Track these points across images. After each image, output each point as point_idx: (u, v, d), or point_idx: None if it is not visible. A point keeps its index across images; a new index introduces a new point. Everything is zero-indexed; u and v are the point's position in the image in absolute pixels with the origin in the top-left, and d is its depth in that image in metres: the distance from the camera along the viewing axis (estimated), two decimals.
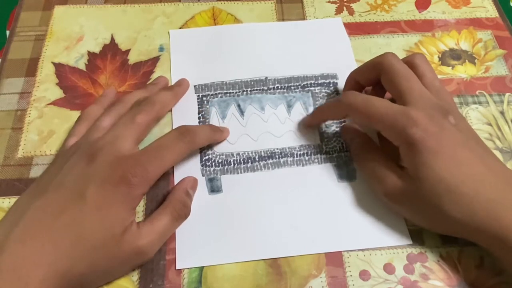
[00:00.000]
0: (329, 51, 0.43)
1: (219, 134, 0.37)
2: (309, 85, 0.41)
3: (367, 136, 0.36)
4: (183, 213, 0.33)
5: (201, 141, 0.35)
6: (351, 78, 0.38)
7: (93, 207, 0.29)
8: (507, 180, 0.30)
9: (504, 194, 0.30)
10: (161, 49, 0.43)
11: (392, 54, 0.35)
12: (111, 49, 0.43)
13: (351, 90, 0.35)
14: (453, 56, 0.44)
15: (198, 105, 0.39)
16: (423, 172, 0.30)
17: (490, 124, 0.40)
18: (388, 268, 0.32)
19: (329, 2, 0.47)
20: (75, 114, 0.38)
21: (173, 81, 0.41)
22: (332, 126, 0.38)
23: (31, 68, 0.41)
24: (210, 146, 0.37)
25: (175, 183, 0.35)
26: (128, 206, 0.30)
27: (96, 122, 0.35)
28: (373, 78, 0.36)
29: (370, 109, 0.33)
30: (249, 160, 0.36)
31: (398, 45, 0.44)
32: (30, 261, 0.27)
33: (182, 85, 0.40)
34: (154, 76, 0.41)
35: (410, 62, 0.36)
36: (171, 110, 0.39)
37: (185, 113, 0.39)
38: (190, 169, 0.36)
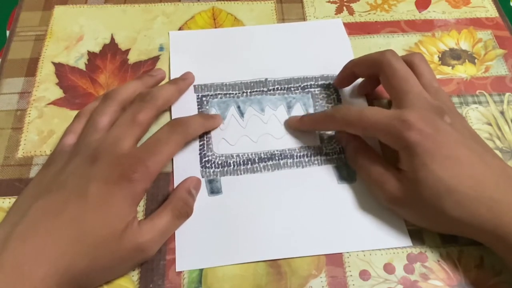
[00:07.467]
0: (329, 52, 0.43)
1: (212, 121, 0.37)
2: (309, 86, 0.41)
3: (362, 140, 0.36)
4: (184, 211, 0.33)
5: (195, 130, 0.36)
6: (348, 69, 0.38)
7: (95, 204, 0.29)
8: (508, 177, 0.30)
9: (505, 192, 0.29)
10: (161, 48, 0.43)
11: (392, 52, 0.35)
12: (111, 48, 0.43)
13: (342, 105, 0.35)
14: (453, 56, 0.44)
15: (198, 105, 0.39)
16: (422, 174, 0.30)
17: (490, 124, 0.40)
18: (388, 268, 0.32)
19: (329, 2, 0.47)
20: (75, 114, 0.37)
21: None
22: None
23: (31, 68, 0.41)
24: (209, 148, 0.37)
25: (175, 185, 0.35)
26: (129, 202, 0.30)
27: (92, 122, 0.34)
28: (371, 73, 0.37)
29: (364, 120, 0.33)
30: (249, 162, 0.36)
31: (398, 45, 0.44)
32: (31, 259, 0.27)
33: (186, 79, 0.40)
34: None
35: (409, 60, 0.36)
36: (170, 110, 0.39)
37: (184, 113, 0.38)
38: (190, 170, 0.36)
